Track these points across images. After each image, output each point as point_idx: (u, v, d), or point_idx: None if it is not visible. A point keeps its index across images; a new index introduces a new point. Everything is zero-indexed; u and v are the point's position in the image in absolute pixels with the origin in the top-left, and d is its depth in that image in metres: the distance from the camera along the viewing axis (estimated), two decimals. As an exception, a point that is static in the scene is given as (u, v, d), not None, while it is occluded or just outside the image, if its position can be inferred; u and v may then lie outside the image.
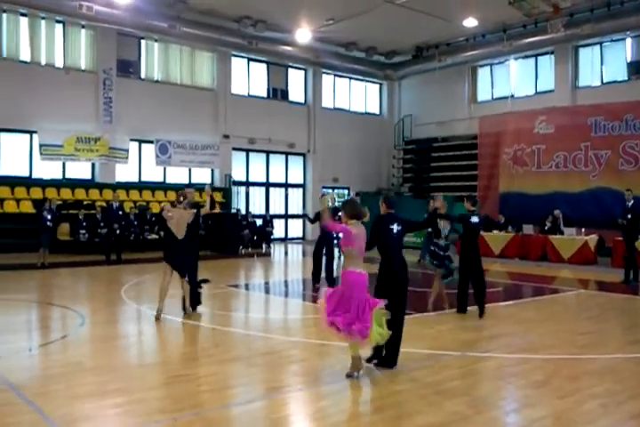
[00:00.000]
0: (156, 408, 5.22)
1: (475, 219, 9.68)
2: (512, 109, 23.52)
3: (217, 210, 9.50)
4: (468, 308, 9.76)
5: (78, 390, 5.62)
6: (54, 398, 5.37)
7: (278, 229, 25.04)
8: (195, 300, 9.59)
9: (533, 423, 4.98)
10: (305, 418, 5.21)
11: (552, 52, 23.32)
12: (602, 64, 22.41)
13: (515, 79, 25.06)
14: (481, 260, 9.78)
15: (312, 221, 13.35)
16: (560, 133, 21.25)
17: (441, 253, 9.93)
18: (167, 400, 5.46)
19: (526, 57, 24.42)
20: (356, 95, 29.11)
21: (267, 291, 12.89)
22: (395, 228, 6.56)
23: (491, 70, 26.00)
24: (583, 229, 17.88)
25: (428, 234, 18.46)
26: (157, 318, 8.95)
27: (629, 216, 14.00)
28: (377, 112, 29.97)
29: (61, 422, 4.77)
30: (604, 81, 22.29)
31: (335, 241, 14.17)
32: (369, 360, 6.50)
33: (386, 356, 6.45)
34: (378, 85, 29.89)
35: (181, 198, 9.39)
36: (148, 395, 5.58)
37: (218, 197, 23.06)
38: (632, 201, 14.22)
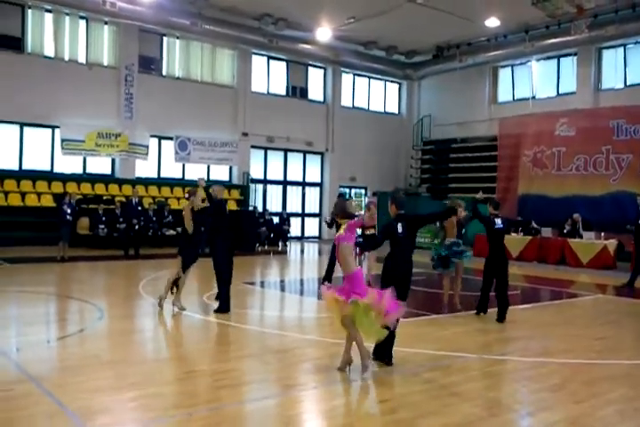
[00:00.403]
0: (172, 403, 5.26)
1: (498, 222, 9.61)
2: (533, 111, 23.39)
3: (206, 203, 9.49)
4: (474, 312, 9.74)
5: (96, 383, 5.68)
6: (72, 391, 5.43)
7: (295, 227, 25.10)
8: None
9: (548, 427, 4.97)
10: (318, 416, 5.23)
11: (575, 54, 23.16)
12: (625, 66, 22.22)
13: (536, 80, 24.91)
14: (507, 263, 9.65)
15: (330, 226, 13.10)
16: (581, 136, 21.09)
17: (445, 252, 10.04)
18: (183, 395, 5.50)
19: (548, 58, 24.27)
20: (375, 94, 29.09)
21: (282, 289, 12.92)
22: (400, 228, 6.62)
23: (512, 71, 25.85)
24: (602, 234, 17.71)
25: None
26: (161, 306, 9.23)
27: None
28: (396, 112, 29.91)
29: (80, 414, 4.83)
30: (628, 83, 22.09)
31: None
32: (375, 358, 6.57)
33: (382, 353, 6.52)
34: (397, 85, 29.83)
35: (187, 195, 9.61)
36: (163, 390, 5.62)
37: (235, 194, 23.17)
38: None
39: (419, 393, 5.77)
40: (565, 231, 18.68)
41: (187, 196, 9.65)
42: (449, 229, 10.04)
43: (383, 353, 6.52)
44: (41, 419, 4.82)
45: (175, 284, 9.47)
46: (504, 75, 26.29)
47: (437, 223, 10.18)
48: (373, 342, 6.27)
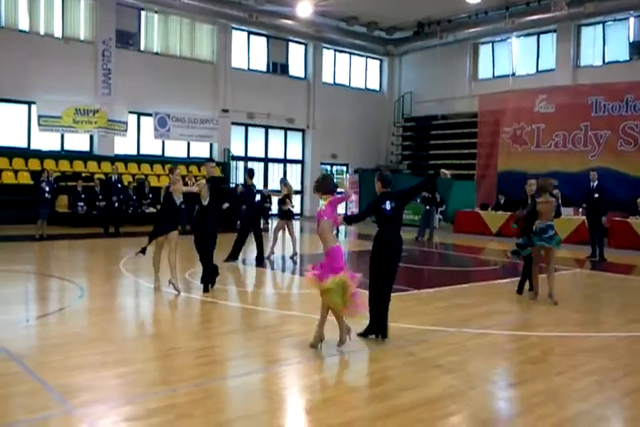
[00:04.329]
0: (155, 380, 5.27)
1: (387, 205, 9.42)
2: (513, 88, 23.39)
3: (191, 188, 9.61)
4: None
5: (78, 361, 5.66)
6: (55, 369, 5.42)
7: (276, 204, 25.03)
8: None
9: (529, 399, 5.04)
10: (302, 391, 5.27)
11: (554, 31, 23.23)
12: (604, 44, 22.34)
13: (516, 57, 24.93)
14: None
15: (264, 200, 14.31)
16: (560, 113, 21.16)
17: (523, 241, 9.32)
18: (166, 372, 5.51)
19: (528, 35, 24.32)
20: (356, 71, 28.95)
21: (263, 266, 12.93)
22: (387, 205, 6.64)
23: (492, 48, 25.89)
24: (580, 209, 17.87)
25: (426, 211, 18.60)
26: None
27: (596, 195, 14.38)
28: (377, 88, 29.81)
29: (63, 392, 4.82)
30: (606, 61, 22.25)
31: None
32: (364, 334, 6.62)
33: (375, 328, 6.61)
34: (378, 61, 29.70)
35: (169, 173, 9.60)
36: (147, 366, 5.63)
37: (216, 171, 22.99)
38: (596, 182, 14.59)
39: (400, 367, 5.82)
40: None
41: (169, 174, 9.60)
42: (546, 212, 8.97)
43: (377, 328, 6.59)
44: (23, 397, 4.80)
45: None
46: (484, 51, 26.29)
47: (527, 207, 9.54)
48: (348, 317, 6.28)
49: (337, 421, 4.45)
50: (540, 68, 24.10)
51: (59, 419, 4.36)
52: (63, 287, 9.65)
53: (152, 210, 18.90)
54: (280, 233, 13.92)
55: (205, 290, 9.24)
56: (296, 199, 27.15)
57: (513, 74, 24.75)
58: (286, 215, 13.67)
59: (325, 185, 6.36)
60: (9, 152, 19.30)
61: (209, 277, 9.35)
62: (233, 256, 12.52)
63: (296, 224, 17.49)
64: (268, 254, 13.29)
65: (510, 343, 6.83)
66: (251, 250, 13.58)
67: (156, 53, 22.52)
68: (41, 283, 10.23)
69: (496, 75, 25.62)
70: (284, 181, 14.30)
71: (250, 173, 13.28)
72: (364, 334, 6.64)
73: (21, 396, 4.82)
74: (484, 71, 26.24)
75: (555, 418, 4.64)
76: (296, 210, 27.07)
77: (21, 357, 5.74)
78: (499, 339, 7.00)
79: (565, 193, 18.96)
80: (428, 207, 18.51)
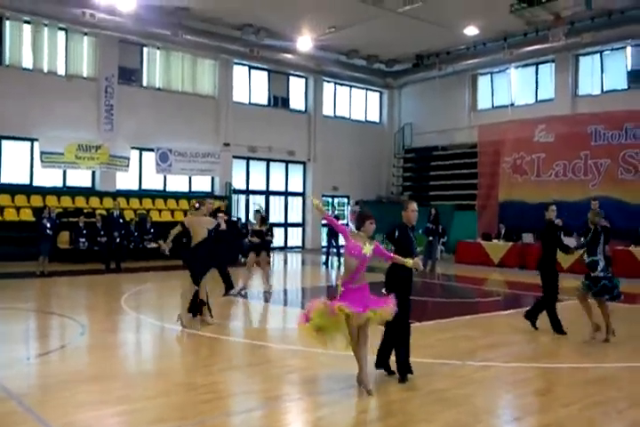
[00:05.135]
0: (158, 417, 5.20)
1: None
2: (512, 118, 23.53)
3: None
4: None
5: (79, 399, 5.61)
6: (55, 407, 5.36)
7: (278, 237, 25.05)
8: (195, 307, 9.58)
9: (534, 433, 4.97)
10: (307, 426, 5.19)
11: (553, 61, 23.44)
12: (602, 72, 22.52)
13: (515, 88, 25.15)
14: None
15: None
16: (560, 142, 21.26)
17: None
18: (167, 409, 5.45)
19: (527, 65, 24.52)
20: (356, 103, 29.20)
21: (266, 300, 12.87)
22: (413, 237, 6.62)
23: (491, 79, 26.12)
24: (582, 239, 17.83)
25: (428, 242, 18.56)
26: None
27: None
28: (377, 120, 30.04)
29: (62, 431, 4.77)
30: (605, 89, 22.39)
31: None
32: (377, 366, 6.53)
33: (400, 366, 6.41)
34: (378, 93, 29.97)
35: (197, 205, 9.54)
36: (149, 404, 5.57)
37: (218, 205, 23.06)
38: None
39: (405, 401, 5.76)
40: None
41: (197, 206, 9.60)
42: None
43: (401, 366, 6.39)
44: (23, 436, 4.75)
45: (196, 299, 9.36)
46: (483, 82, 26.54)
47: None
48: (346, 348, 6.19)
49: (340, 458, 4.38)
50: (539, 98, 24.29)
51: (58, 460, 4.30)
52: (64, 325, 9.59)
53: (153, 245, 18.93)
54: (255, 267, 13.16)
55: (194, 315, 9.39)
56: (297, 232, 27.27)
57: (512, 104, 24.94)
58: (257, 248, 12.94)
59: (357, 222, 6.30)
60: (11, 189, 19.38)
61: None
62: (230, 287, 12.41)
63: (299, 257, 17.46)
64: (239, 290, 12.58)
65: (515, 375, 6.76)
66: (250, 284, 13.48)
67: (159, 89, 22.76)
68: (42, 320, 10.18)
69: (495, 105, 25.82)
70: (257, 211, 13.84)
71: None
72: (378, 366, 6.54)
73: (21, 436, 4.77)
74: (483, 102, 26.47)
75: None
76: (297, 242, 27.17)
77: (21, 395, 5.69)
78: (504, 371, 6.93)
79: (567, 222, 18.99)
80: (430, 238, 18.46)
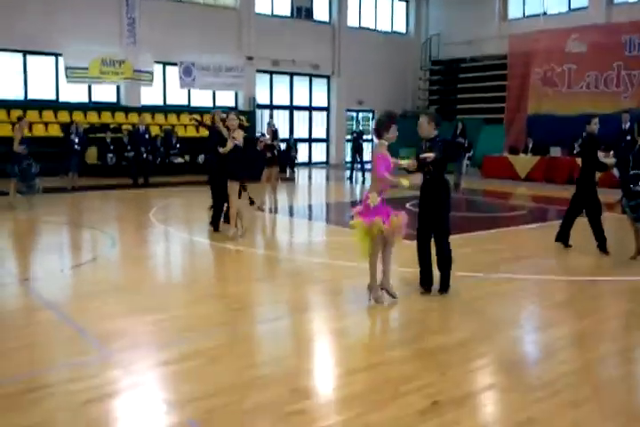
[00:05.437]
0: (187, 325, 5.40)
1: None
2: (544, 27, 22.69)
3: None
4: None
5: (112, 309, 5.83)
6: (90, 316, 5.58)
7: (302, 153, 25.00)
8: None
9: (554, 342, 5.09)
10: (329, 335, 5.36)
11: (588, -35, 22.27)
12: (640, -22, 21.38)
13: (548, -5, 24.09)
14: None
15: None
16: (592, 52, 20.56)
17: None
18: (197, 318, 5.64)
19: (561, -29, 23.38)
20: (382, 13, 28.25)
21: (291, 214, 13.01)
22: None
23: (523, -14, 24.99)
24: (612, 152, 17.55)
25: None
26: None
27: (628, 138, 13.74)
28: (403, 31, 29.15)
29: (99, 338, 4.99)
30: (643, -4, 21.34)
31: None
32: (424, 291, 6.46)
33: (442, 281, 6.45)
34: (405, 3, 28.92)
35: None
36: (179, 312, 5.77)
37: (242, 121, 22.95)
38: (628, 123, 13.99)
39: (426, 311, 5.90)
40: (575, 152, 18.45)
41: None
42: None
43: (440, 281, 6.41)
44: (61, 343, 4.98)
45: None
46: (515, -10, 25.43)
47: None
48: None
49: (363, 364, 4.55)
50: (572, 7, 23.28)
51: (96, 364, 4.52)
52: (95, 237, 9.85)
53: (180, 160, 19.04)
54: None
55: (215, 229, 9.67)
56: (322, 147, 27.15)
57: (544, 13, 23.95)
58: (270, 162, 12.72)
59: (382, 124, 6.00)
60: (39, 105, 19.40)
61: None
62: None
63: (324, 173, 17.42)
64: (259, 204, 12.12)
65: (537, 288, 6.85)
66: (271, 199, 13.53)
67: (180, 1, 22.17)
68: (74, 233, 10.45)
69: (527, 14, 24.82)
70: (269, 124, 13.56)
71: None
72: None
73: (60, 342, 5.01)
74: (515, 11, 25.41)
75: (580, 361, 4.69)
76: (321, 158, 27.11)
77: (58, 305, 5.93)
78: (527, 284, 7.01)
79: (598, 135, 18.65)
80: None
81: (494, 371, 4.53)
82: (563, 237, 8.83)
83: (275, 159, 12.74)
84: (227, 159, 9.18)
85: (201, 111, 22.03)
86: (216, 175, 9.59)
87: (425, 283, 6.43)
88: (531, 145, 19.95)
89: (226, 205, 9.59)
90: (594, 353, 4.85)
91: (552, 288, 6.81)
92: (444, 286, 6.38)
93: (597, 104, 20.10)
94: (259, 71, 24.30)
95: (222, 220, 9.80)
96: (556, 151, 18.81)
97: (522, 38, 23.09)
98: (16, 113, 18.33)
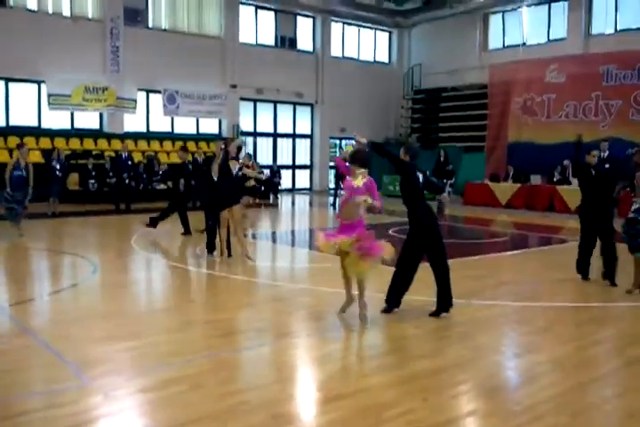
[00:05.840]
0: (169, 351, 5.36)
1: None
2: (524, 58, 23.13)
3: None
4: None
5: (93, 335, 5.78)
6: (70, 342, 5.53)
7: (285, 179, 25.08)
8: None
9: (535, 367, 5.12)
10: (312, 362, 5.34)
11: (565, -1, 22.82)
12: (616, 11, 21.91)
13: (527, 27, 24.59)
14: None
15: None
16: (571, 83, 20.96)
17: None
18: (179, 344, 5.61)
19: (539, 4, 23.92)
20: (365, 44, 28.67)
21: (274, 240, 13.00)
22: (421, 178, 6.55)
23: (503, 17, 25.53)
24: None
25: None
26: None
27: (607, 166, 13.94)
28: (386, 61, 29.55)
29: (78, 364, 4.94)
30: (618, 28, 21.84)
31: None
32: (386, 310, 6.61)
33: (438, 304, 6.56)
34: (387, 34, 29.38)
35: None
36: (160, 339, 5.74)
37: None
38: (607, 152, 14.18)
39: (409, 338, 5.92)
40: (555, 180, 18.75)
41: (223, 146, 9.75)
42: None
43: (439, 304, 6.55)
44: (40, 369, 4.93)
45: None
46: (495, 21, 25.92)
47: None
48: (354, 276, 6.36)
49: (347, 390, 4.54)
50: (550, 38, 23.76)
51: (75, 390, 4.47)
52: (76, 264, 9.77)
53: (162, 187, 19.00)
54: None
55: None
56: (305, 174, 27.26)
57: (524, 44, 24.44)
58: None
59: (361, 156, 6.36)
60: (20, 131, 19.36)
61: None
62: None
63: (307, 199, 17.39)
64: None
65: (518, 314, 6.89)
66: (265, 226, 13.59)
67: (164, 30, 22.38)
68: (54, 259, 10.36)
69: (506, 45, 25.31)
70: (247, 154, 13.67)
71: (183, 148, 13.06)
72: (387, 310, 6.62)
73: (38, 368, 4.95)
74: (495, 41, 25.91)
75: (560, 387, 4.71)
76: (305, 184, 27.20)
77: (37, 331, 5.87)
78: (508, 310, 7.05)
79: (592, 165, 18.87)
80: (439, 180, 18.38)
81: (475, 397, 4.54)
82: (583, 269, 8.60)
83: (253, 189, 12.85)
84: (222, 187, 9.33)
85: (184, 138, 22.16)
86: (210, 200, 9.79)
87: (391, 302, 6.59)
88: (511, 173, 20.17)
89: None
90: (574, 379, 4.88)
91: (533, 314, 6.85)
92: (446, 307, 6.55)
93: (576, 133, 20.28)
94: (242, 99, 24.47)
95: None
96: (536, 179, 19.05)
97: (502, 68, 23.52)
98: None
